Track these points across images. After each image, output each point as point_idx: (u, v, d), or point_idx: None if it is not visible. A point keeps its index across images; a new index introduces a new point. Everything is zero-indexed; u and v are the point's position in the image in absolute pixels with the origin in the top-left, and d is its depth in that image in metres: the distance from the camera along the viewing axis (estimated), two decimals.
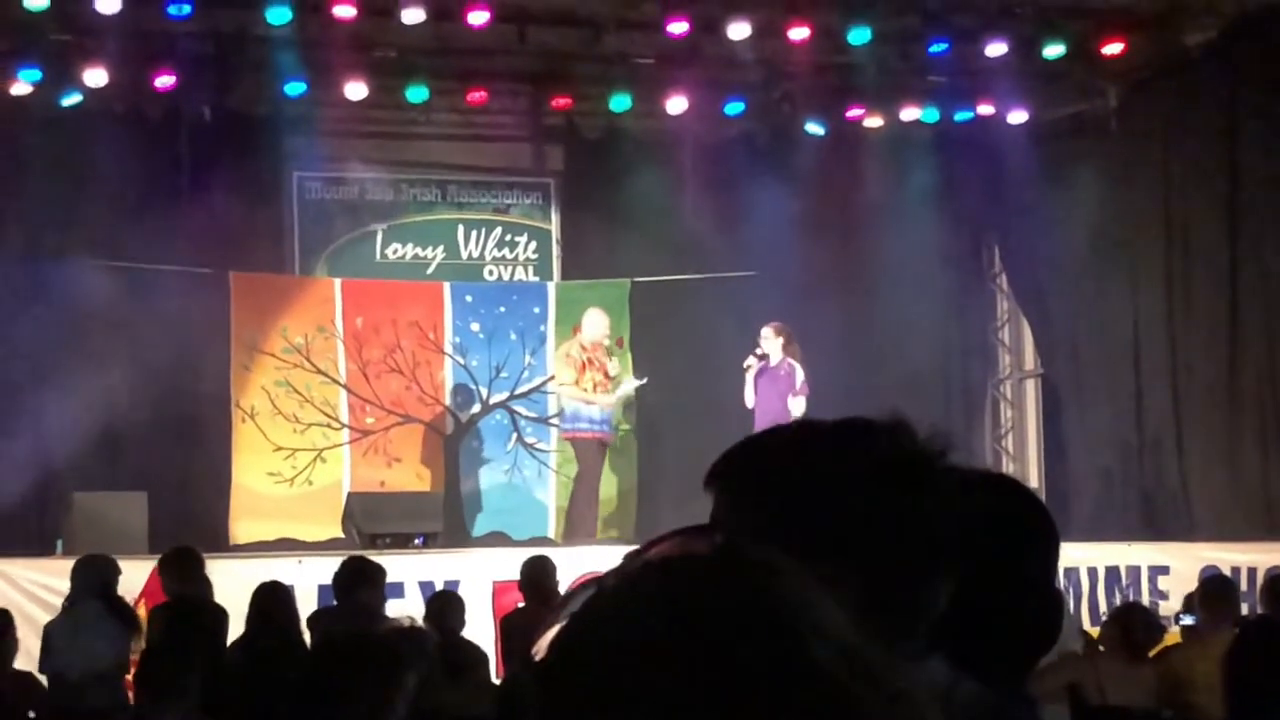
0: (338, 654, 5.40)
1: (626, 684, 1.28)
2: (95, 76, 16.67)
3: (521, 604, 11.64)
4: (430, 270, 19.51)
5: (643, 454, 19.04)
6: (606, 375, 17.06)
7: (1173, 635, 10.96)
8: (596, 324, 17.29)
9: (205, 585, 11.09)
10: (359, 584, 10.39)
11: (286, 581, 11.24)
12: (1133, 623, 10.36)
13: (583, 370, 17.02)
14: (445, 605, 10.92)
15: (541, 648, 1.39)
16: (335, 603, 10.70)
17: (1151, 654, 10.22)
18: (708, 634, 1.29)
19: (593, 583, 1.42)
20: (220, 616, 10.52)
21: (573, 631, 1.36)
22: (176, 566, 11.15)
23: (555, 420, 18.30)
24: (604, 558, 12.02)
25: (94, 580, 11.01)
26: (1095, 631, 11.83)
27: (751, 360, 16.80)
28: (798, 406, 16.57)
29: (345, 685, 5.13)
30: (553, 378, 18.06)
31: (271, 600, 10.44)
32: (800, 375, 16.61)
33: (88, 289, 17.24)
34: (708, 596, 1.32)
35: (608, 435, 17.29)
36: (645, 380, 17.77)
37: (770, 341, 16.76)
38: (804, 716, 1.28)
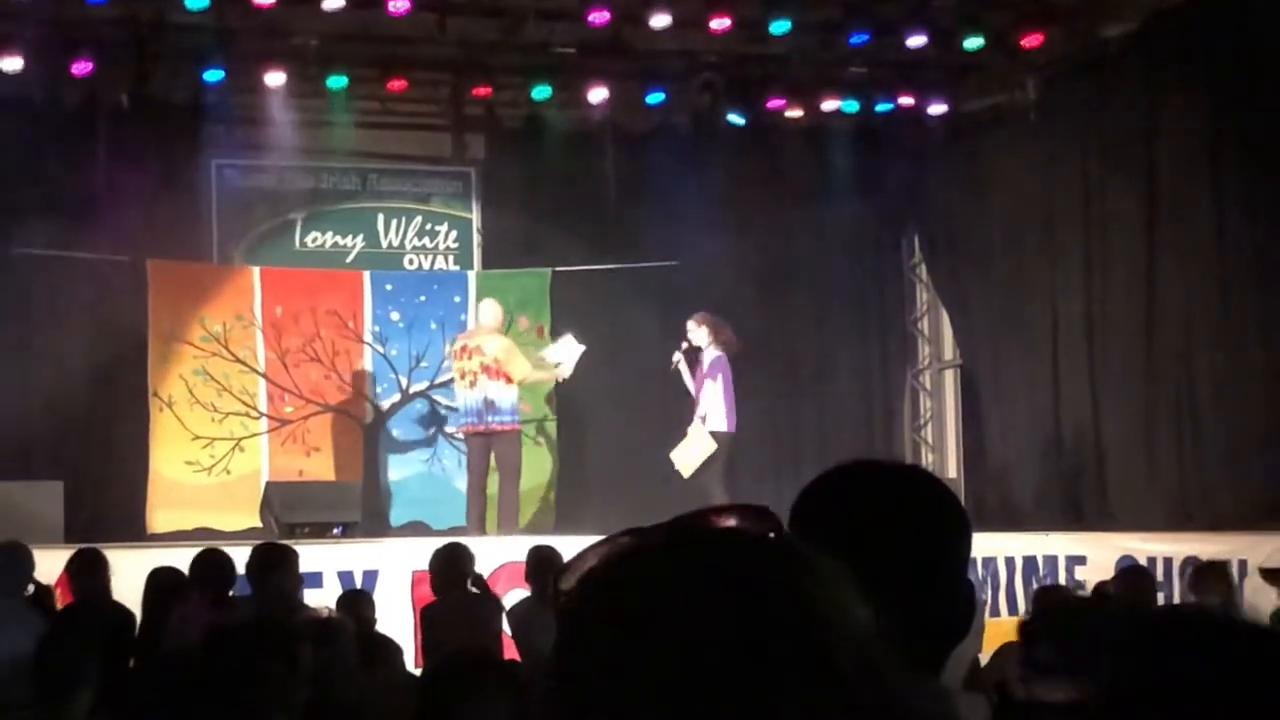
0: (231, 640, 5.39)
1: (649, 636, 1.32)
2: (11, 63, 16.52)
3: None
4: (350, 259, 19.44)
5: (563, 444, 19.02)
6: (487, 369, 16.65)
7: None
8: (486, 312, 17.01)
9: (108, 586, 11.02)
10: (271, 569, 10.35)
11: None
12: (1047, 604, 10.46)
13: (459, 356, 16.79)
14: (357, 599, 10.90)
15: (572, 579, 1.43)
16: (251, 590, 10.63)
17: None
18: (742, 611, 1.33)
19: (637, 532, 1.44)
20: (127, 617, 10.47)
21: (613, 572, 1.40)
22: (80, 568, 11.08)
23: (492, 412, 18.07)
24: (525, 548, 11.96)
25: (14, 570, 10.89)
26: (1015, 620, 11.88)
27: (678, 355, 16.83)
28: (713, 392, 16.59)
29: (242, 668, 5.12)
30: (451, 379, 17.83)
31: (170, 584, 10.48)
32: (711, 359, 16.63)
33: (3, 277, 17.13)
34: (754, 576, 1.36)
35: (519, 426, 17.00)
36: (584, 347, 17.38)
37: (695, 333, 16.77)
38: (807, 708, 1.30)
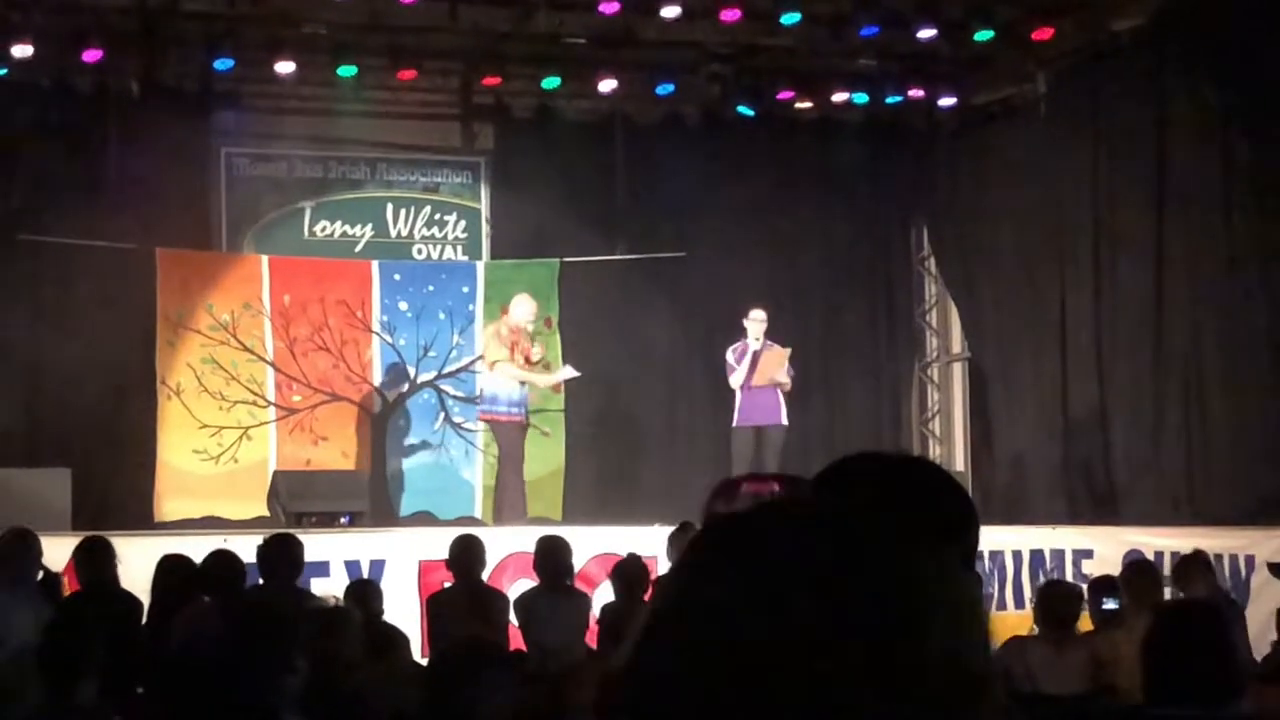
0: (234, 631, 5.43)
1: (765, 606, 1.28)
2: (22, 49, 16.52)
3: (449, 583, 11.62)
4: (359, 248, 19.43)
5: (572, 434, 19.01)
6: (528, 360, 16.74)
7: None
8: (523, 308, 17.02)
9: (115, 573, 11.03)
10: (277, 559, 10.39)
11: None
12: (1051, 598, 10.49)
13: (511, 350, 16.86)
14: (365, 590, 10.93)
15: (729, 508, 1.41)
16: (261, 581, 10.65)
17: (1079, 633, 10.33)
18: (856, 587, 1.30)
19: (754, 498, 1.44)
20: (133, 604, 10.49)
21: (737, 538, 1.37)
22: (87, 555, 11.09)
23: (480, 400, 18.16)
24: (532, 538, 12.01)
25: (24, 557, 10.90)
26: (1021, 615, 11.90)
27: (754, 343, 16.74)
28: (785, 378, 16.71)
29: (245, 658, 5.16)
30: (481, 357, 17.93)
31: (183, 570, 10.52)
32: (787, 351, 16.71)
33: (12, 264, 17.14)
34: (870, 556, 1.34)
35: (522, 418, 16.98)
36: (580, 374, 17.44)
37: (762, 326, 16.75)
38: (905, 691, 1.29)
